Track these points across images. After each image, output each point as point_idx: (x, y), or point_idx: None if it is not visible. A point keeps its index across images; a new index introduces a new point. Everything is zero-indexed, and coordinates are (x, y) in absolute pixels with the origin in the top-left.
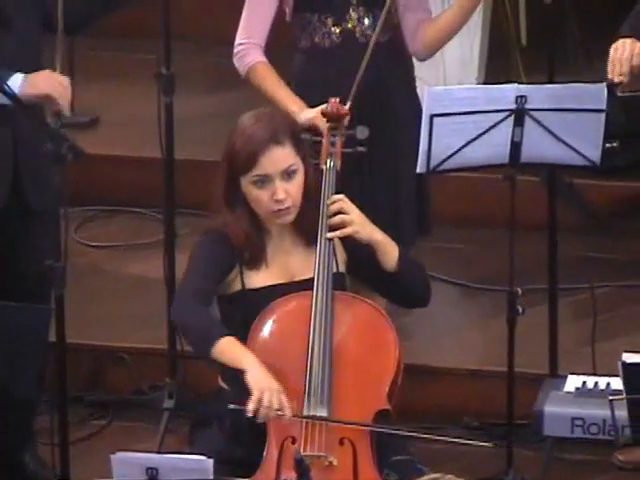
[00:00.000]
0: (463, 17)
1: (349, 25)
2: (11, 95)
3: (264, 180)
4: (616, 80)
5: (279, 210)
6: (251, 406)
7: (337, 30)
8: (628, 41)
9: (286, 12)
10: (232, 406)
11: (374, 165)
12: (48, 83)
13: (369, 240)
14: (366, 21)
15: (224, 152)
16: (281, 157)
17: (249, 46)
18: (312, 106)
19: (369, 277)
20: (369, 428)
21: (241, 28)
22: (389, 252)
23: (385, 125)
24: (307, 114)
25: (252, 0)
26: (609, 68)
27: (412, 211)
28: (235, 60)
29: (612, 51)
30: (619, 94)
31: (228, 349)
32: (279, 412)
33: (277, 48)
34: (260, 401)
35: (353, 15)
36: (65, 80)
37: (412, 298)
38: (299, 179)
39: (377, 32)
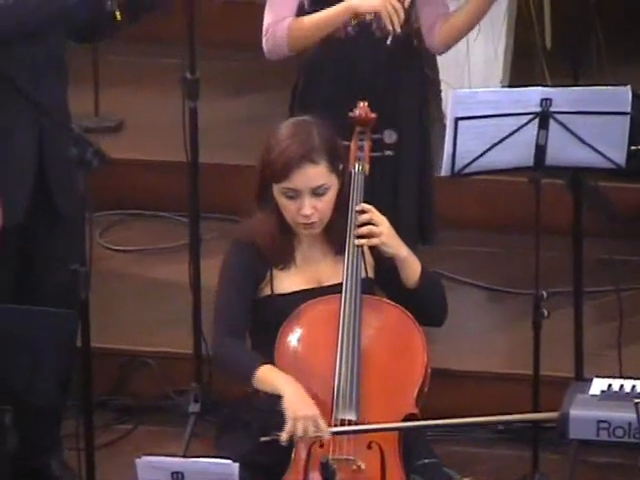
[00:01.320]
0: (478, 16)
1: (367, 18)
2: None
3: (294, 193)
4: None
5: (304, 223)
6: (285, 436)
7: (354, 22)
8: None
9: (304, 4)
10: (264, 438)
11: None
12: None
13: (394, 254)
14: (374, 29)
15: (260, 156)
16: (313, 175)
17: (277, 23)
18: (323, 98)
19: (389, 289)
20: (391, 428)
21: (267, 13)
22: (412, 269)
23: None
24: (369, 2)
25: None
26: None
27: (410, 219)
28: (267, 43)
29: None
30: None
31: (265, 378)
32: (317, 434)
33: None
34: (294, 430)
35: (354, 23)
36: None
37: (427, 317)
38: (330, 196)
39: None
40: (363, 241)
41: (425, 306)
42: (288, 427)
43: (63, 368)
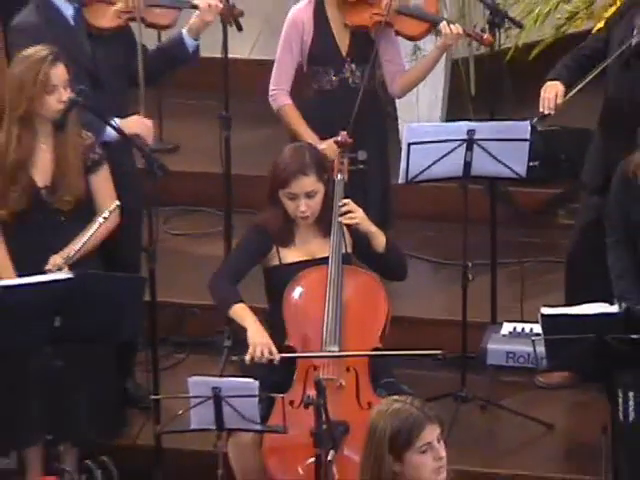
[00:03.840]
0: (427, 73)
1: (345, 75)
2: (116, 129)
3: (293, 196)
4: (546, 112)
5: (301, 217)
6: (247, 357)
7: (336, 78)
8: (554, 83)
9: (303, 66)
10: (234, 358)
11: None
12: (137, 125)
13: (366, 230)
14: (357, 73)
15: (271, 168)
16: (306, 184)
17: (279, 91)
18: (316, 130)
19: (366, 258)
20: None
21: (273, 77)
22: (379, 240)
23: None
24: (319, 146)
25: (280, 59)
26: (540, 104)
27: (375, 212)
28: (270, 100)
29: (542, 91)
30: (539, 129)
31: (238, 313)
32: (270, 357)
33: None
34: (254, 353)
35: (347, 68)
36: (149, 122)
37: (393, 274)
38: (319, 197)
39: (365, 80)
40: (345, 219)
41: (391, 266)
42: (250, 351)
43: (138, 315)
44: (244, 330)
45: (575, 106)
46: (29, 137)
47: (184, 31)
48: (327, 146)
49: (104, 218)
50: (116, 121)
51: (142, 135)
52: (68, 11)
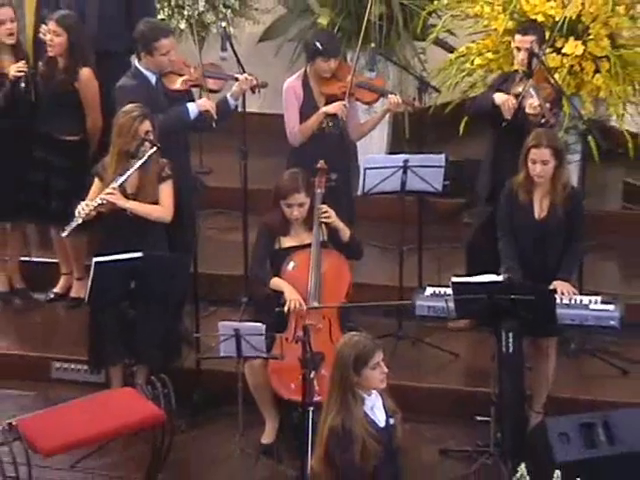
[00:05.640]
0: (376, 125)
1: (323, 125)
2: (196, 114)
3: (289, 205)
4: (508, 117)
5: (294, 219)
6: (286, 308)
7: (316, 127)
8: (506, 96)
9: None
10: (279, 309)
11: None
12: (207, 103)
13: (337, 226)
14: (330, 124)
15: (275, 185)
16: (298, 198)
17: (292, 129)
18: (303, 165)
19: (335, 244)
20: (335, 306)
21: (287, 124)
22: (345, 233)
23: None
24: (329, 108)
25: (288, 112)
26: (505, 112)
27: (343, 214)
28: (290, 137)
29: (503, 104)
30: (450, 159)
31: (275, 283)
32: (301, 307)
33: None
34: (291, 305)
35: (324, 121)
36: (212, 103)
37: (353, 256)
38: (306, 206)
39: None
40: (323, 222)
41: (351, 251)
42: (288, 304)
43: (185, 281)
44: (280, 293)
45: (474, 144)
46: (122, 162)
47: (228, 95)
48: (331, 107)
49: (147, 157)
50: (191, 104)
51: (211, 110)
52: (152, 78)
